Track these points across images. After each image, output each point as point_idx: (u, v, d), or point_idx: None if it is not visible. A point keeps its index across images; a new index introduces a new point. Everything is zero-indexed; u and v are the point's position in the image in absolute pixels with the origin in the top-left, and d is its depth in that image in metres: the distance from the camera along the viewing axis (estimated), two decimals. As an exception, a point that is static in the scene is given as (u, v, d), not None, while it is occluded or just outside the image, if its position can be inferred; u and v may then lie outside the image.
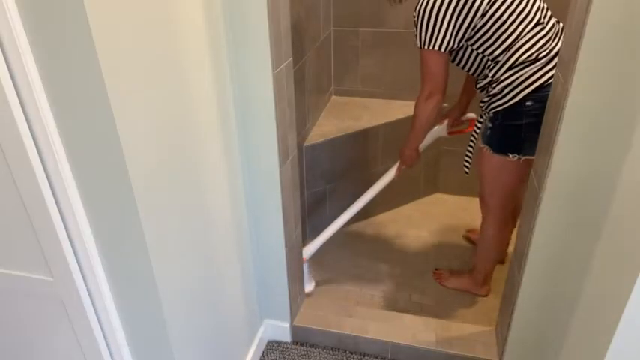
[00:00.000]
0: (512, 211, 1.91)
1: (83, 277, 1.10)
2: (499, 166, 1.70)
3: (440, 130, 2.11)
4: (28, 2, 0.83)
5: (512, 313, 1.59)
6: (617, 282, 1.04)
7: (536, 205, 1.40)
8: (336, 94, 2.72)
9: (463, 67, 1.73)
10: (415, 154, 1.98)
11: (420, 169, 2.71)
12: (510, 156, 1.65)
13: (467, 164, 1.98)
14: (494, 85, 1.64)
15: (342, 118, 2.47)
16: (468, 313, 2.00)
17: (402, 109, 2.55)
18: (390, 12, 2.44)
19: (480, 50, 1.63)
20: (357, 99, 2.68)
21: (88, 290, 1.12)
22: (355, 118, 2.46)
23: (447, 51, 1.62)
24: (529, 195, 1.50)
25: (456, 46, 1.62)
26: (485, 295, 2.11)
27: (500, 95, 1.62)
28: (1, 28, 0.84)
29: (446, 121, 2.12)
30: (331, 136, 2.28)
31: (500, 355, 1.73)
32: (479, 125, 1.85)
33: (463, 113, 2.13)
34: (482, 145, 1.75)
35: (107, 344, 1.21)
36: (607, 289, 1.11)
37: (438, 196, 2.84)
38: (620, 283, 1.02)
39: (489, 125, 1.70)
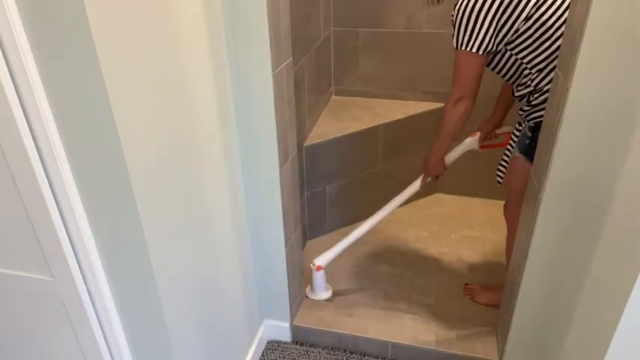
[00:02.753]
0: None
1: (83, 277, 1.10)
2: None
3: (471, 142, 1.97)
4: (28, 2, 0.83)
5: (512, 313, 1.59)
6: (617, 282, 1.04)
7: (536, 205, 1.40)
8: (336, 94, 2.72)
9: (499, 73, 1.64)
10: (440, 165, 1.85)
11: (421, 169, 2.71)
12: None
13: (500, 174, 1.86)
14: (536, 95, 1.54)
15: (342, 118, 2.47)
16: (468, 313, 2.00)
17: (402, 109, 2.55)
18: (390, 12, 2.44)
19: (520, 56, 1.54)
20: (357, 99, 2.68)
21: (88, 290, 1.12)
22: (355, 118, 2.45)
23: (484, 53, 1.53)
24: (529, 195, 1.50)
25: (494, 48, 1.53)
26: None
27: (543, 106, 1.51)
28: (1, 28, 0.84)
29: (478, 134, 1.97)
30: (331, 136, 2.28)
31: (500, 355, 1.73)
32: (516, 133, 1.74)
33: (498, 126, 1.97)
34: (518, 155, 1.66)
35: (107, 344, 1.21)
36: (607, 289, 1.11)
37: (438, 196, 2.84)
38: (620, 283, 1.02)
39: (529, 135, 1.59)
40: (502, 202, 2.70)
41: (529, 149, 1.58)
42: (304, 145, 2.20)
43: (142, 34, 0.98)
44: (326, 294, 2.09)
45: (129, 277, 1.13)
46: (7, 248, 1.10)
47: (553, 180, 1.32)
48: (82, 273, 1.09)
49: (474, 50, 1.52)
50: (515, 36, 1.51)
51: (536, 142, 1.50)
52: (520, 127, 1.72)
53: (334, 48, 2.59)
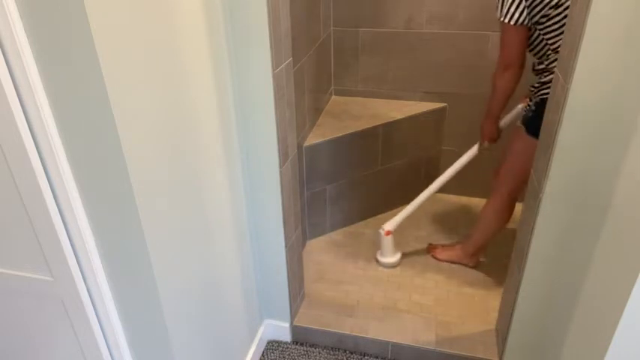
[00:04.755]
0: (515, 198, 1.98)
1: (83, 277, 1.10)
2: (527, 145, 1.72)
3: (522, 108, 2.04)
4: (28, 2, 0.83)
5: (512, 313, 1.59)
6: (617, 282, 1.04)
7: (536, 205, 1.40)
8: (336, 94, 2.72)
9: (528, 47, 1.73)
10: (494, 129, 1.95)
11: (421, 168, 2.71)
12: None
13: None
14: (546, 74, 1.65)
15: (342, 118, 2.47)
16: (468, 313, 2.00)
17: (402, 109, 2.55)
18: (390, 12, 2.44)
19: (546, 37, 1.63)
20: (357, 99, 2.68)
21: (88, 290, 1.12)
22: (355, 118, 2.45)
23: (520, 25, 1.61)
24: (529, 195, 1.50)
25: (528, 23, 1.61)
26: (474, 267, 2.23)
27: (549, 85, 1.61)
28: (1, 28, 0.84)
29: (527, 100, 2.05)
30: (331, 136, 2.28)
31: (500, 355, 1.73)
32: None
33: None
34: (519, 125, 1.81)
35: (107, 344, 1.21)
36: (607, 288, 1.11)
37: (438, 196, 2.83)
38: (620, 282, 1.02)
39: (533, 109, 1.73)
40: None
41: (530, 121, 1.74)
42: (304, 145, 2.20)
43: (142, 33, 0.98)
44: (394, 257, 2.30)
45: (129, 277, 1.13)
46: (7, 248, 1.10)
47: (553, 180, 1.32)
48: (82, 273, 1.09)
49: (512, 23, 1.61)
50: (544, 19, 1.59)
51: (538, 117, 1.58)
52: (530, 103, 1.83)
53: (334, 48, 2.59)
